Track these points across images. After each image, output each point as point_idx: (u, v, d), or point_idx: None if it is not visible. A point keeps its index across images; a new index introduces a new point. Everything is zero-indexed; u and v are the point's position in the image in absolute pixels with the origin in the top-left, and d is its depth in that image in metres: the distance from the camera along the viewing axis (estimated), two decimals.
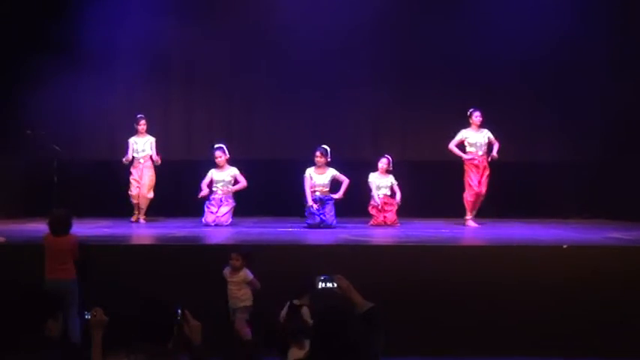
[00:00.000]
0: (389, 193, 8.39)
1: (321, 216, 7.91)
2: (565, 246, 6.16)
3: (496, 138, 8.29)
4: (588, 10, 9.11)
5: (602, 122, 9.39)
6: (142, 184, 8.51)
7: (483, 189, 8.17)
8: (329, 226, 7.87)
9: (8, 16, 8.90)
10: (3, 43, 8.89)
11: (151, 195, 8.55)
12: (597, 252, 6.18)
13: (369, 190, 8.39)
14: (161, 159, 8.56)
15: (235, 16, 9.40)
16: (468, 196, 8.25)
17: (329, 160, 8.13)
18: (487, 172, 8.21)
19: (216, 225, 8.10)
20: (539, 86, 9.42)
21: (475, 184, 8.16)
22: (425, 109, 9.51)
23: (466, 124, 8.28)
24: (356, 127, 9.61)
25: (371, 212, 8.39)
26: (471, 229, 8.16)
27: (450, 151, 8.25)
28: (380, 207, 8.30)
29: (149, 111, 8.93)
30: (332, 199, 8.02)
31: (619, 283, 5.80)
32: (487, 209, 8.64)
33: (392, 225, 8.24)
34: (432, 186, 9.11)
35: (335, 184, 8.17)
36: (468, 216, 8.29)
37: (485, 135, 8.24)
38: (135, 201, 8.57)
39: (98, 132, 9.58)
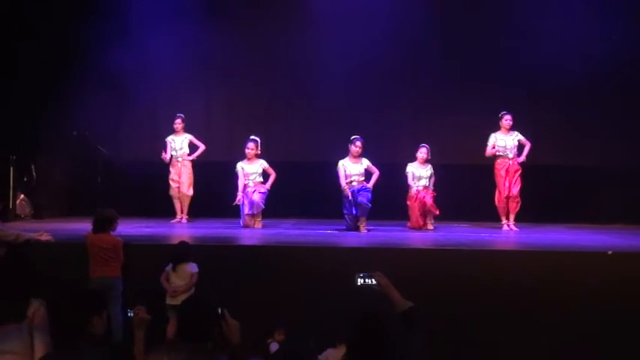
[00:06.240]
0: (428, 184, 8.30)
1: (358, 198, 7.75)
2: (610, 252, 6.01)
3: (534, 141, 8.26)
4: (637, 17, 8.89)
5: None
6: (181, 182, 8.64)
7: (514, 190, 8.15)
8: (360, 205, 7.75)
9: (54, 22, 9.16)
10: (51, 48, 9.15)
11: (191, 192, 8.68)
12: None
13: (406, 180, 8.31)
14: (197, 157, 8.67)
15: (274, 22, 9.49)
16: (497, 201, 8.28)
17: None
18: (518, 173, 8.19)
19: (250, 209, 8.07)
20: (585, 90, 9.23)
21: (503, 188, 8.15)
22: (465, 113, 9.40)
23: (496, 128, 8.26)
24: (393, 130, 9.55)
25: (408, 203, 8.28)
26: (510, 233, 8.07)
27: (490, 155, 8.27)
28: (416, 198, 8.18)
29: (190, 112, 9.08)
30: (369, 189, 7.86)
31: None
32: (528, 213, 8.51)
33: (431, 209, 8.11)
34: (471, 189, 9.01)
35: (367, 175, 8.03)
36: (503, 220, 8.28)
37: (515, 138, 8.24)
38: (176, 200, 8.71)
39: (141, 133, 9.78)
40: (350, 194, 7.81)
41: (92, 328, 2.88)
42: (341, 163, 7.99)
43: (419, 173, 8.30)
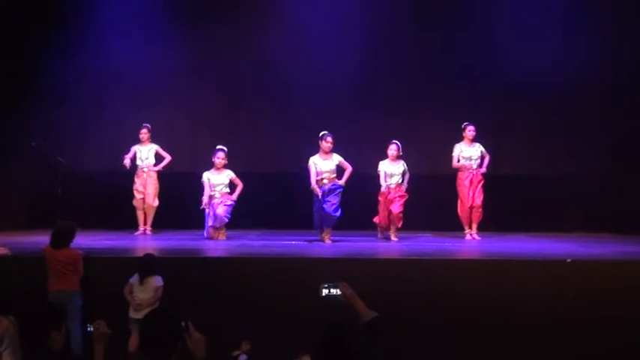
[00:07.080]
0: (400, 180, 8.18)
1: (325, 204, 7.66)
2: (569, 260, 6.14)
3: (496, 151, 8.39)
4: (600, 31, 9.12)
5: (608, 138, 9.40)
6: (147, 193, 8.53)
7: (478, 200, 8.30)
8: (329, 215, 7.68)
9: (15, 29, 8.98)
10: (10, 56, 8.96)
11: (156, 203, 8.58)
12: (601, 266, 6.16)
13: (378, 178, 8.20)
14: (163, 168, 8.59)
15: (239, 29, 9.48)
16: (460, 211, 8.42)
17: None
18: (481, 183, 8.36)
19: (214, 221, 7.94)
20: (547, 101, 9.43)
21: (466, 198, 8.29)
22: (429, 123, 9.53)
23: (460, 138, 8.39)
24: (360, 140, 9.57)
25: (379, 199, 8.20)
26: (473, 242, 8.18)
27: (457, 168, 8.39)
28: (387, 196, 8.08)
29: (154, 122, 8.96)
30: (341, 187, 7.77)
31: (623, 298, 5.76)
32: (490, 223, 8.65)
33: (396, 217, 8.02)
34: (434, 199, 9.10)
35: (339, 172, 7.93)
36: (466, 229, 8.40)
37: (477, 149, 8.41)
38: (140, 212, 8.57)
39: (103, 143, 9.62)
40: (320, 193, 7.68)
41: (51, 343, 2.81)
42: (312, 160, 7.83)
43: (390, 171, 8.18)
